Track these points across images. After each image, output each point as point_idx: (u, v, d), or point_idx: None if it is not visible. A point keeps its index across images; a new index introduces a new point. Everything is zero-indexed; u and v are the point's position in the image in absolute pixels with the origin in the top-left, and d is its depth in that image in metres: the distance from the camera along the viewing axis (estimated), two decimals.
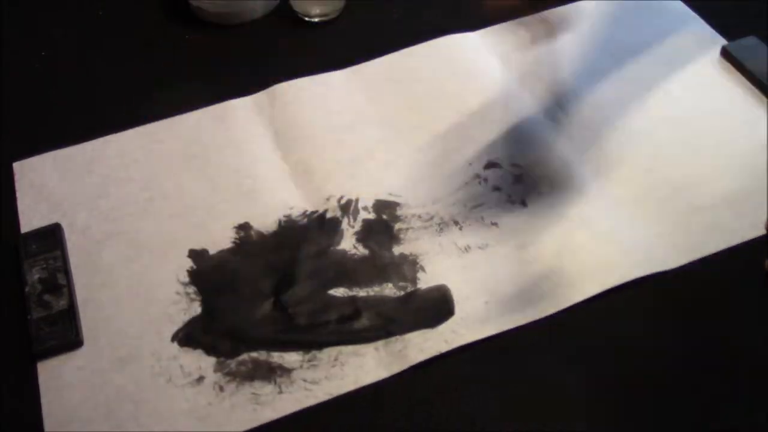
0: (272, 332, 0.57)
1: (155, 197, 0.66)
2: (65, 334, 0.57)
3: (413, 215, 0.63)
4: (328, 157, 0.68)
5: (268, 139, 0.70)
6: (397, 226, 0.63)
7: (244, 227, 0.63)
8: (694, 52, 0.74)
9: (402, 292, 0.59)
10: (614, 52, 0.75)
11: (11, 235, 0.64)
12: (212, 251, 0.62)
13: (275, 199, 0.65)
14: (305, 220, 0.64)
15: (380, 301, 0.58)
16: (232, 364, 0.55)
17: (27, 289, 0.60)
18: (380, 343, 0.56)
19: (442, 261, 0.60)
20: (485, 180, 0.65)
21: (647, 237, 0.61)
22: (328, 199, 0.65)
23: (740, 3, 0.78)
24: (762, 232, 0.59)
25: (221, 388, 0.54)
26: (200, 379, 0.55)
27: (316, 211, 0.64)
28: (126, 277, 0.61)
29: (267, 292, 0.59)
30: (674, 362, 0.54)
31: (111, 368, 0.56)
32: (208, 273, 0.61)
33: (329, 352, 0.56)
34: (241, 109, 0.73)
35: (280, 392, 0.54)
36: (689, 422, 0.52)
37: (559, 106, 0.71)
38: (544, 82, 0.73)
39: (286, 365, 0.55)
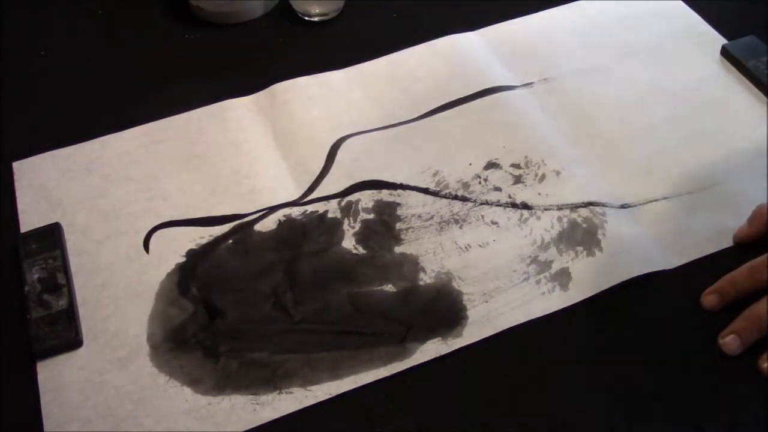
0: (272, 332, 0.57)
1: (155, 197, 0.66)
2: (65, 333, 0.57)
3: (413, 215, 0.63)
4: (328, 157, 0.68)
5: (268, 139, 0.70)
6: (397, 226, 0.63)
7: (243, 227, 0.63)
8: (694, 52, 0.74)
9: (403, 292, 0.58)
10: (614, 52, 0.75)
11: (11, 235, 0.64)
12: (212, 251, 0.62)
13: (275, 199, 0.65)
14: (305, 220, 0.64)
15: (381, 301, 0.58)
16: (232, 364, 0.55)
17: (26, 289, 0.59)
18: (380, 343, 0.56)
19: (443, 260, 0.60)
20: (485, 180, 0.65)
21: (647, 237, 0.61)
22: (328, 200, 0.65)
23: (740, 3, 0.78)
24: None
25: (221, 388, 0.54)
26: (199, 378, 0.55)
27: (316, 211, 0.64)
28: (126, 277, 0.61)
29: (267, 292, 0.59)
30: (674, 362, 0.54)
31: (111, 368, 0.56)
32: (208, 273, 0.61)
33: (329, 353, 0.56)
34: (241, 108, 0.73)
35: (280, 392, 0.54)
36: (689, 422, 0.51)
37: (559, 105, 0.71)
38: (544, 82, 0.73)
39: (286, 365, 0.55)
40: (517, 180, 0.65)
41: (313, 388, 0.54)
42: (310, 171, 0.67)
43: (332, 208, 0.64)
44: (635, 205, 0.63)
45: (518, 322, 0.56)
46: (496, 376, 0.54)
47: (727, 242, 0.60)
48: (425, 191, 0.65)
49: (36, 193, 0.67)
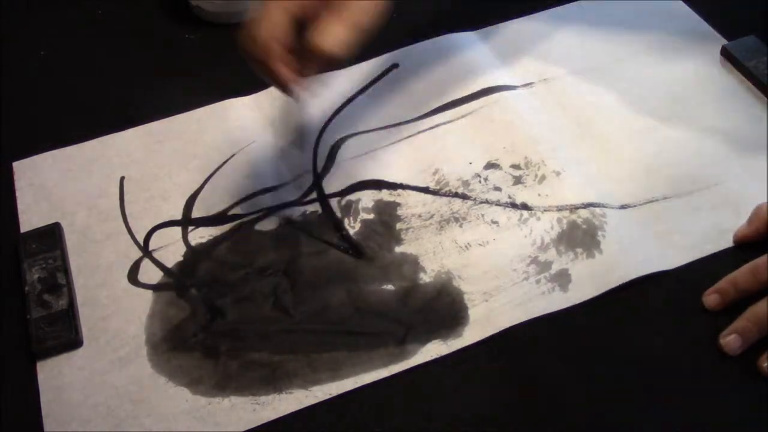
0: (272, 332, 0.57)
1: (155, 197, 0.66)
2: (65, 333, 0.57)
3: (413, 215, 0.63)
4: (328, 157, 0.68)
5: (268, 139, 0.70)
6: (397, 226, 0.63)
7: (243, 227, 0.63)
8: (694, 52, 0.74)
9: (403, 292, 0.58)
10: (614, 52, 0.75)
11: (11, 235, 0.64)
12: (212, 251, 0.62)
13: (275, 199, 0.65)
14: (305, 220, 0.63)
15: (381, 301, 0.58)
16: (232, 364, 0.55)
17: (26, 289, 0.59)
18: (380, 344, 0.56)
19: (443, 260, 0.60)
20: (485, 180, 0.65)
21: (647, 237, 0.61)
22: (328, 199, 0.65)
23: (740, 3, 0.78)
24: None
25: (221, 388, 0.54)
26: (199, 378, 0.55)
27: (316, 212, 0.64)
28: (125, 277, 0.61)
29: (267, 292, 0.59)
30: (675, 362, 0.54)
31: (111, 368, 0.56)
32: (208, 273, 0.61)
33: (329, 353, 0.56)
34: (241, 108, 0.73)
35: (280, 392, 0.54)
36: (689, 422, 0.51)
37: (559, 105, 0.71)
38: (544, 82, 0.73)
39: (286, 365, 0.55)
40: (517, 180, 0.65)
41: (313, 388, 0.54)
42: (310, 171, 0.67)
43: (332, 208, 0.64)
44: (635, 206, 0.63)
45: (519, 321, 0.56)
46: (496, 376, 0.54)
47: (727, 242, 0.60)
48: (425, 190, 0.65)
49: (36, 193, 0.67)
